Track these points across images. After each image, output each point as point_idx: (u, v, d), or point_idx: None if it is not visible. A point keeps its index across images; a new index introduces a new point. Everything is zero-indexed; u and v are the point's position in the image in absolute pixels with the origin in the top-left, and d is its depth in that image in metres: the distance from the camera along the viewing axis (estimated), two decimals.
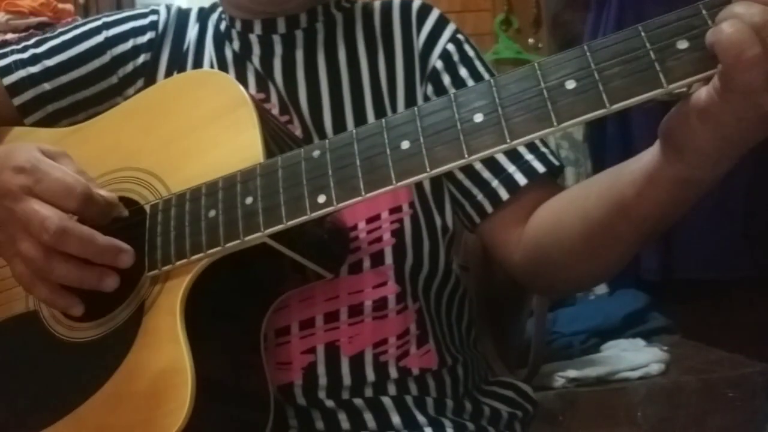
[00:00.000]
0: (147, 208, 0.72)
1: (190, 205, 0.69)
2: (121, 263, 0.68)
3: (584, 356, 1.68)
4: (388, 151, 0.59)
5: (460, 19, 2.62)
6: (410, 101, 0.86)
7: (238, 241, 0.65)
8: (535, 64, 0.55)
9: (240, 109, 0.72)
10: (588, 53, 0.53)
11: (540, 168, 0.82)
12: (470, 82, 0.86)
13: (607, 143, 2.17)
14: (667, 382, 1.62)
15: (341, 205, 0.61)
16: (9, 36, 1.94)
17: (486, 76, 0.88)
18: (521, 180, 0.82)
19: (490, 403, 0.87)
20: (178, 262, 0.67)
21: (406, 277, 0.82)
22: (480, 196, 0.83)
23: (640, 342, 1.77)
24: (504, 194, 0.82)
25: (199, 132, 0.74)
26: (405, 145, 0.58)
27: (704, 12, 0.51)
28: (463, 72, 0.87)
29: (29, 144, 0.71)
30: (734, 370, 1.66)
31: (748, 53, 0.48)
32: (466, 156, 0.55)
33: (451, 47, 0.88)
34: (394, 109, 0.85)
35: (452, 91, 0.85)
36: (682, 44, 0.50)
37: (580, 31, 2.31)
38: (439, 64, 0.87)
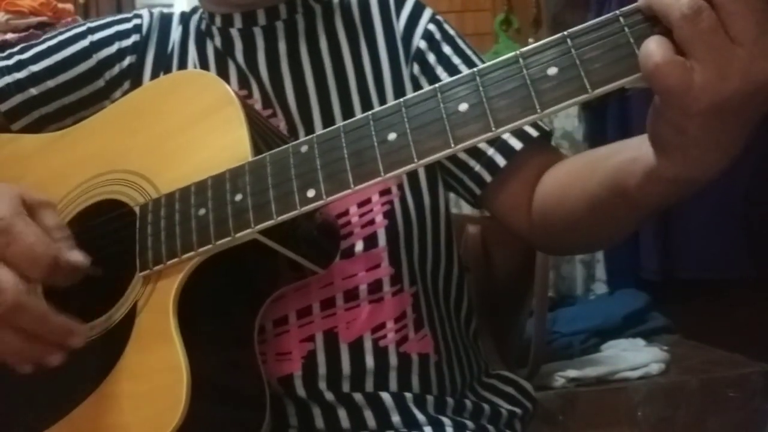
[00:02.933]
0: (136, 209, 0.72)
1: (180, 205, 0.69)
2: (71, 344, 0.65)
3: (584, 356, 1.68)
4: (375, 143, 0.59)
5: (460, 19, 2.62)
6: (397, 82, 0.87)
7: (228, 238, 0.65)
8: (518, 52, 0.55)
9: (227, 108, 0.72)
10: (569, 40, 0.53)
11: (533, 132, 0.83)
12: (455, 59, 0.88)
13: (607, 143, 2.16)
14: (667, 382, 1.62)
15: (331, 198, 0.61)
16: (9, 36, 1.94)
17: (468, 52, 0.89)
18: (516, 145, 0.82)
19: (490, 398, 0.88)
20: (170, 261, 0.67)
21: (401, 258, 0.82)
22: (477, 167, 0.84)
23: (640, 342, 1.77)
24: (501, 161, 0.83)
25: (186, 132, 0.74)
26: (392, 137, 0.58)
27: None
28: (447, 49, 0.88)
29: (12, 191, 0.67)
30: (734, 370, 1.66)
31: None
32: (453, 146, 0.55)
33: (432, 27, 0.89)
34: (381, 93, 0.86)
35: (438, 68, 0.87)
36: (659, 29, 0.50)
37: None
38: (423, 44, 0.88)
